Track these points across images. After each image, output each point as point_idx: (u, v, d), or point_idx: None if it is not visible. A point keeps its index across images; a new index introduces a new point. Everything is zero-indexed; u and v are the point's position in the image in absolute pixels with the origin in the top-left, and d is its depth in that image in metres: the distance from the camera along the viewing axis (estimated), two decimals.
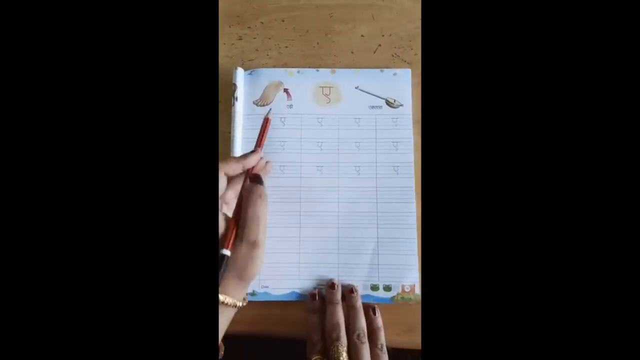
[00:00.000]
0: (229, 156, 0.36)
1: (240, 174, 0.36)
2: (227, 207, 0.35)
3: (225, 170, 0.34)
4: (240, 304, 0.33)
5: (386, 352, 0.36)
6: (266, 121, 0.40)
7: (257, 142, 0.39)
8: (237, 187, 0.36)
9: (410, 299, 0.39)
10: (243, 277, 0.32)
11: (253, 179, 0.35)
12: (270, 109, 0.42)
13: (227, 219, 0.34)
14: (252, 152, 0.37)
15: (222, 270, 0.31)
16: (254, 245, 0.32)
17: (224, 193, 0.35)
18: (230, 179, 0.36)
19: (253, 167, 0.37)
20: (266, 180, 0.38)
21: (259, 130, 0.40)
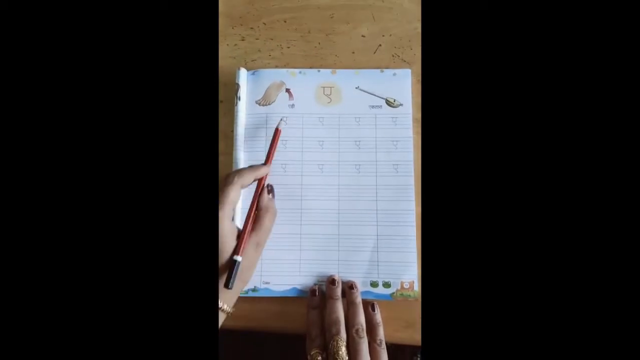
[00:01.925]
0: (242, 168, 0.38)
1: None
2: (237, 215, 0.37)
3: (241, 182, 0.36)
4: (231, 311, 0.35)
5: (385, 348, 0.36)
6: (277, 132, 0.41)
7: (268, 155, 0.40)
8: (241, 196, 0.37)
9: (410, 295, 0.40)
10: (243, 278, 0.36)
11: (270, 190, 0.39)
12: (282, 119, 0.42)
13: (237, 227, 0.36)
14: (263, 164, 0.39)
15: (234, 275, 0.33)
16: (259, 250, 0.37)
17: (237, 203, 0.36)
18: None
19: (262, 178, 0.39)
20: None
21: (262, 130, 0.42)
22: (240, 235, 0.36)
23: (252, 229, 0.36)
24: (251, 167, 0.38)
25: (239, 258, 0.34)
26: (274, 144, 0.41)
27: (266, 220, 0.37)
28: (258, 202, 0.38)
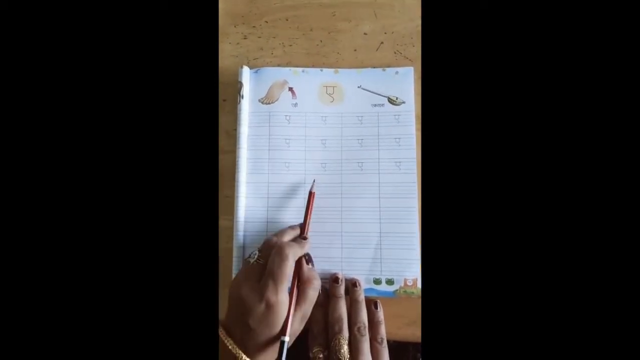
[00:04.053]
0: (287, 241, 0.37)
1: None
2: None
3: (294, 257, 0.35)
4: None
5: (386, 346, 0.36)
6: (311, 196, 0.40)
7: (304, 227, 0.39)
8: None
9: (413, 292, 0.40)
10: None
11: (309, 259, 0.38)
12: (315, 180, 0.41)
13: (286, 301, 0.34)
14: (304, 238, 0.38)
15: (283, 356, 0.32)
16: (303, 322, 0.35)
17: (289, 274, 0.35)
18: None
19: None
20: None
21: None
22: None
23: (297, 303, 0.35)
24: (297, 242, 0.37)
25: (286, 338, 0.33)
26: (309, 211, 0.40)
27: (311, 292, 0.36)
28: (300, 275, 0.37)
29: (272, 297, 0.32)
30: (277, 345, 0.33)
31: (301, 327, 0.35)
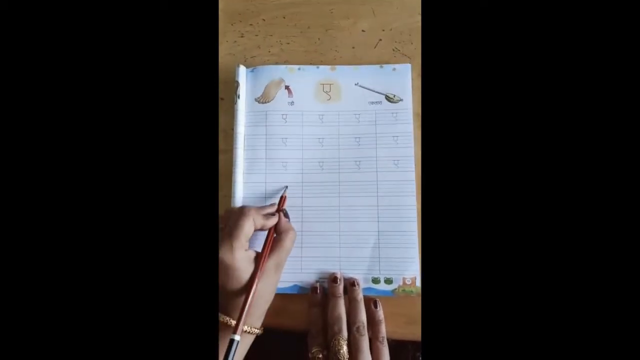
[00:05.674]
0: (254, 207, 0.38)
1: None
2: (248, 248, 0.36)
3: (254, 219, 0.36)
4: (259, 332, 0.36)
5: (387, 345, 0.36)
6: (282, 200, 0.41)
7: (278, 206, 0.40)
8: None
9: (412, 291, 0.39)
10: (265, 300, 0.36)
11: (286, 214, 0.40)
12: (287, 186, 0.42)
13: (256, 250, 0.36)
14: (273, 214, 0.39)
15: (231, 356, 0.31)
16: (279, 271, 0.37)
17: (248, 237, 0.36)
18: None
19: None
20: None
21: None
22: (258, 257, 0.36)
23: (272, 251, 0.37)
24: (263, 210, 0.38)
25: (237, 337, 0.32)
26: (282, 203, 0.41)
27: (287, 241, 0.37)
28: (277, 226, 0.38)
29: (226, 256, 0.33)
30: (256, 304, 0.34)
31: (277, 277, 0.37)
